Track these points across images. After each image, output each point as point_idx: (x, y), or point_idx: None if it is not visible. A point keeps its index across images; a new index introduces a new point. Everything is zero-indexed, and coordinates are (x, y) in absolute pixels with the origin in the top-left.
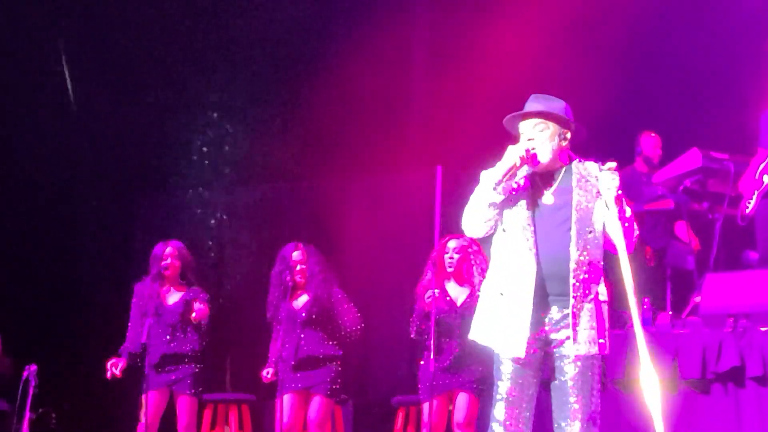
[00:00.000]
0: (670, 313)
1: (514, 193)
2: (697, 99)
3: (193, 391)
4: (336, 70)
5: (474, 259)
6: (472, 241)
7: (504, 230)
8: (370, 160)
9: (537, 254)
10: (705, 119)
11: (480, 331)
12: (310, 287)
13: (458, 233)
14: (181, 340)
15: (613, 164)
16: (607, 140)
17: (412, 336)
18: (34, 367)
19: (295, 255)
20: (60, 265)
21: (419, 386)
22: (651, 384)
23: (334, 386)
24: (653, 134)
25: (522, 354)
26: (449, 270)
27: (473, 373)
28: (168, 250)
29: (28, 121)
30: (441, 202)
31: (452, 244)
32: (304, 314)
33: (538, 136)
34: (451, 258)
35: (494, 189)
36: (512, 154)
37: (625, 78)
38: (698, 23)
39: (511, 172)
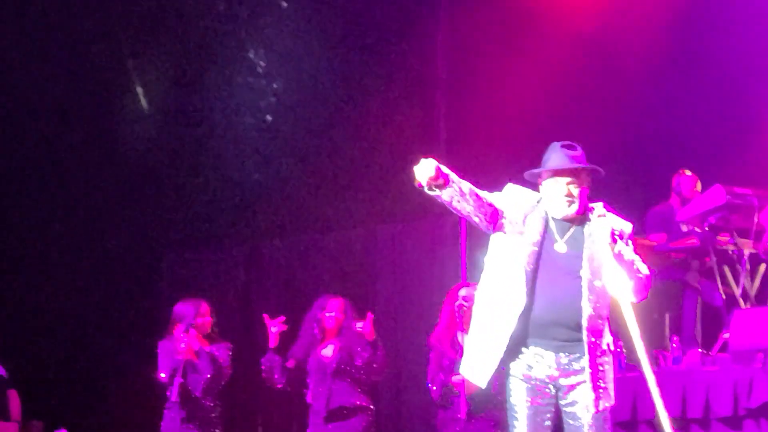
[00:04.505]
0: (700, 350)
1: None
2: (718, 134)
3: None
4: (356, 118)
5: None
6: None
7: (501, 267)
8: (394, 208)
9: (532, 297)
10: (726, 154)
11: (464, 365)
12: (341, 338)
13: (474, 282)
14: (206, 400)
15: (602, 210)
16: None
17: (435, 399)
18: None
19: (328, 306)
20: (92, 325)
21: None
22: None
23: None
24: (688, 173)
25: (483, 385)
26: (459, 318)
27: (492, 418)
28: (202, 308)
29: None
30: (467, 246)
31: (463, 292)
32: (334, 364)
33: (573, 192)
34: (461, 306)
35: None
36: (421, 171)
37: (646, 114)
38: (718, 60)
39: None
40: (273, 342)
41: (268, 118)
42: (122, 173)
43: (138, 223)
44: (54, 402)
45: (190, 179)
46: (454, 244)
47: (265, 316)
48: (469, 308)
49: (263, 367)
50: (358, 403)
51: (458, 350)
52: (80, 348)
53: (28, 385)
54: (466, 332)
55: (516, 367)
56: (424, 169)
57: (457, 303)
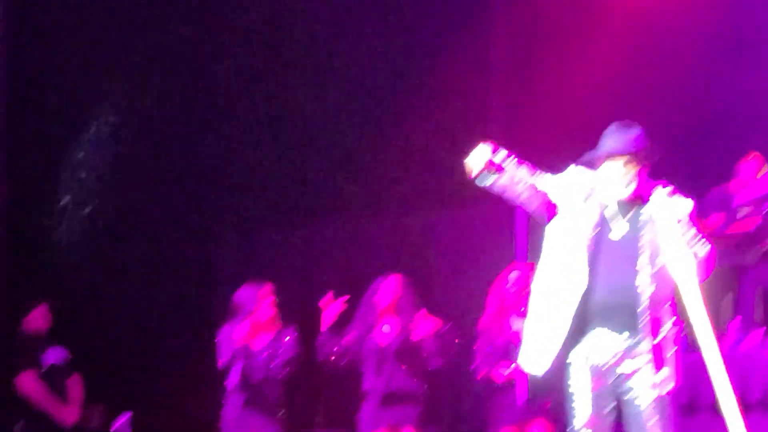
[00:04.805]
0: (760, 333)
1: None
2: None
3: None
4: (416, 104)
5: None
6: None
7: (560, 252)
8: (452, 193)
9: (592, 282)
10: None
11: (521, 354)
12: (400, 317)
13: (525, 264)
14: (268, 385)
15: (668, 189)
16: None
17: (480, 385)
18: (127, 416)
19: (386, 286)
20: (152, 310)
21: (490, 417)
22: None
23: (422, 420)
24: (755, 156)
25: (540, 372)
26: (510, 303)
27: (547, 404)
28: (261, 292)
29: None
30: (524, 232)
31: (513, 275)
32: (394, 345)
33: (615, 174)
34: (512, 290)
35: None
36: (473, 161)
37: (707, 95)
38: None
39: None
40: (327, 323)
41: (331, 100)
42: (182, 152)
43: (197, 205)
44: (117, 386)
45: (251, 159)
46: (511, 229)
47: (324, 299)
48: (519, 293)
49: (318, 348)
50: (415, 387)
51: (510, 335)
52: (141, 332)
53: (90, 370)
54: (518, 317)
55: (576, 353)
56: (478, 157)
57: (507, 287)
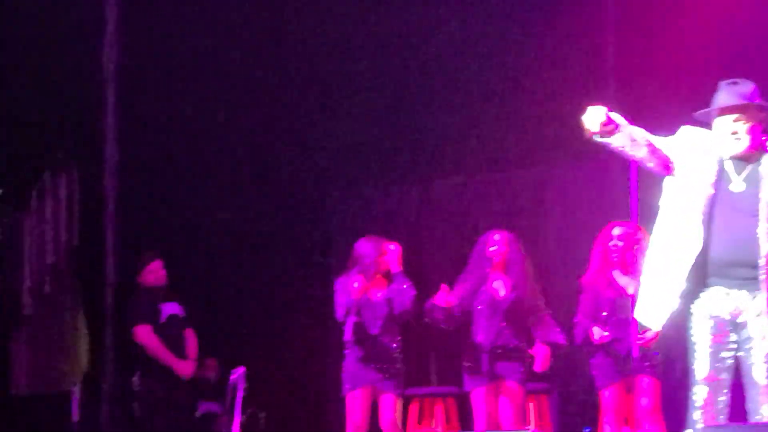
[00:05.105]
0: None
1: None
2: None
3: (397, 389)
4: (527, 60)
5: (640, 246)
6: (638, 228)
7: (677, 209)
8: (564, 148)
9: (709, 237)
10: None
11: (638, 308)
12: (510, 275)
13: (628, 221)
14: (385, 338)
15: None
16: None
17: (578, 341)
18: (242, 370)
19: (496, 238)
20: (263, 265)
21: (594, 374)
22: None
23: (527, 376)
24: None
25: (658, 327)
26: (614, 258)
27: (652, 358)
28: (378, 245)
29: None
30: (638, 187)
31: (616, 231)
32: (504, 302)
33: (739, 129)
34: (615, 246)
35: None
36: (589, 120)
37: None
38: None
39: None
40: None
41: (447, 55)
42: (297, 109)
43: (312, 161)
44: (231, 341)
45: (367, 114)
46: (626, 185)
47: (443, 288)
48: (625, 247)
49: (426, 311)
50: (523, 343)
51: (616, 289)
52: (256, 287)
53: (205, 324)
54: (623, 271)
55: (697, 307)
56: (594, 117)
57: (611, 243)
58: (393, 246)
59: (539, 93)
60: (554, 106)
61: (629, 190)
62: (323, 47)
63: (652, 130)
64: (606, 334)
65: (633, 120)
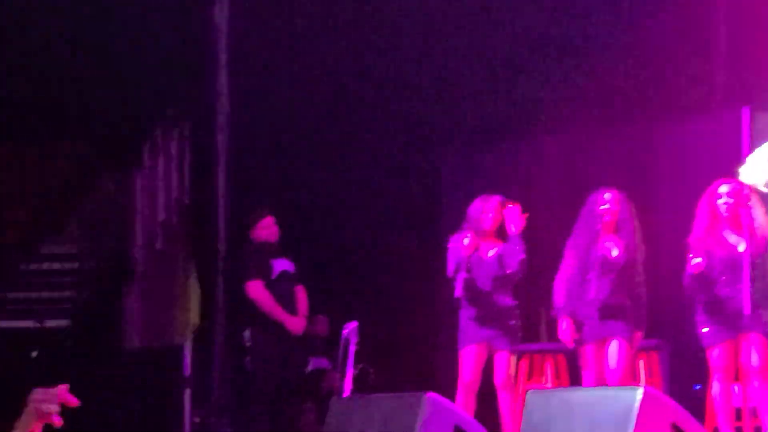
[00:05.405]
0: None
1: None
2: None
3: (511, 345)
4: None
5: (751, 204)
6: (745, 185)
7: None
8: (677, 104)
9: None
10: None
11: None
12: (621, 234)
13: (734, 178)
14: (497, 295)
15: None
16: None
17: (688, 294)
18: (354, 324)
19: (606, 197)
20: (373, 222)
21: (702, 333)
22: None
23: (633, 333)
24: None
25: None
26: (724, 216)
27: (763, 315)
28: (490, 203)
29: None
30: (749, 146)
31: (724, 188)
32: (616, 262)
33: None
34: (726, 204)
35: None
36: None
37: None
38: None
39: None
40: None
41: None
42: (407, 63)
43: (423, 116)
44: (341, 298)
45: (472, 72)
46: (738, 140)
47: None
48: (735, 204)
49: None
50: (631, 302)
51: (726, 248)
52: (364, 244)
53: (316, 280)
54: (733, 230)
55: None
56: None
57: (720, 201)
58: (511, 205)
59: (649, 47)
60: (664, 60)
61: (741, 146)
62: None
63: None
64: (700, 260)
65: (742, 87)
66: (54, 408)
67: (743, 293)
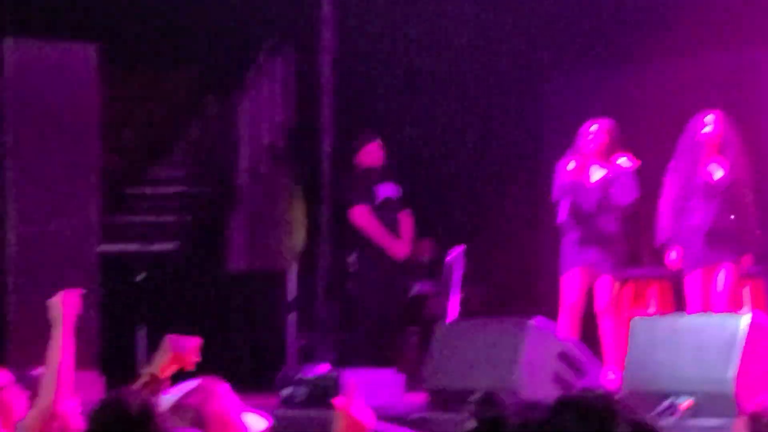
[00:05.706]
0: None
1: None
2: None
3: (615, 270)
4: None
5: None
6: None
7: None
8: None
9: None
10: None
11: None
12: (726, 154)
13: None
14: (602, 219)
15: None
16: None
17: None
18: (461, 248)
19: (708, 119)
20: (478, 148)
21: None
22: None
23: (742, 257)
24: None
25: None
26: None
27: None
28: (599, 127)
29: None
30: None
31: None
32: (720, 185)
33: None
34: None
35: None
36: None
37: None
38: None
39: None
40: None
41: None
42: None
43: (527, 42)
44: (446, 222)
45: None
46: None
47: None
48: None
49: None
50: (739, 225)
51: None
52: (469, 169)
53: (420, 205)
54: None
55: None
56: None
57: None
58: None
59: None
60: None
61: None
62: None
63: None
64: None
65: None
66: (195, 359)
67: None
